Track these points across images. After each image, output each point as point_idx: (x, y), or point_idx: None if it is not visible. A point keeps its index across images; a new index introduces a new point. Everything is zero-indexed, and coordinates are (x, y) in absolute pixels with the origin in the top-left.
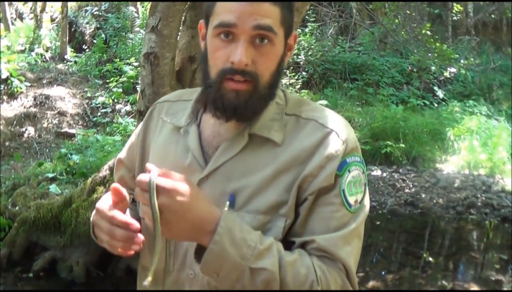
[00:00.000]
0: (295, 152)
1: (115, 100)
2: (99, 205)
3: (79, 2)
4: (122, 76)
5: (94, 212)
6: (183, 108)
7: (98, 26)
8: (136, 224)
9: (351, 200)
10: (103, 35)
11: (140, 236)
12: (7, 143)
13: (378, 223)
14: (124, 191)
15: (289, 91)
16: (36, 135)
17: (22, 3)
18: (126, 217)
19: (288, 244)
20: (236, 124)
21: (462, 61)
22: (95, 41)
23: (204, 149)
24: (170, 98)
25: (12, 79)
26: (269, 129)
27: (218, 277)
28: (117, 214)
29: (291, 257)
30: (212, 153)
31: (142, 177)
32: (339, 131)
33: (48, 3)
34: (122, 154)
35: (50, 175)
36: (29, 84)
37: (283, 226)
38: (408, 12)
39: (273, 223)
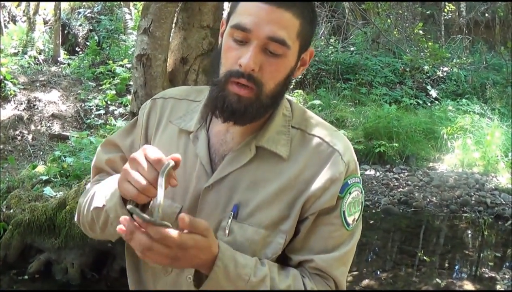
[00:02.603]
0: (300, 169)
1: (109, 102)
2: (133, 155)
3: (72, 4)
4: (115, 78)
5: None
6: (191, 111)
7: (91, 28)
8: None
9: (350, 219)
10: (96, 37)
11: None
12: (1, 147)
13: (371, 222)
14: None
15: (288, 97)
16: (30, 138)
17: (15, 5)
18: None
19: (285, 258)
20: (242, 133)
21: (454, 60)
22: (88, 43)
23: (211, 156)
24: (175, 95)
25: (6, 82)
26: (276, 144)
27: None
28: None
29: (284, 284)
30: (218, 161)
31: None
32: (342, 153)
33: (41, 6)
34: (117, 137)
35: (44, 178)
36: (22, 87)
37: (283, 242)
38: (400, 12)
39: (273, 238)
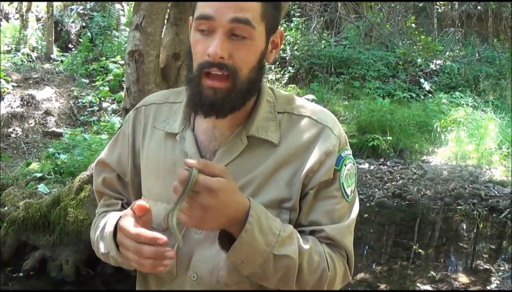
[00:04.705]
0: (292, 147)
1: (102, 99)
2: (122, 223)
3: (64, 1)
4: (108, 74)
5: (118, 231)
6: (173, 113)
7: (84, 25)
8: (163, 237)
9: (348, 191)
10: (89, 34)
11: (170, 251)
12: None
13: (366, 215)
14: (147, 204)
15: (275, 87)
16: (24, 135)
17: (7, 3)
18: (152, 232)
19: None
20: (229, 126)
21: (447, 53)
22: (81, 40)
23: (201, 153)
24: (155, 100)
25: None
26: (266, 131)
27: (242, 263)
28: (142, 231)
29: (307, 244)
30: (210, 157)
31: (184, 173)
32: (332, 127)
33: (33, 3)
34: (106, 156)
35: (38, 175)
36: (15, 84)
37: (288, 218)
38: (392, 5)
39: (278, 215)
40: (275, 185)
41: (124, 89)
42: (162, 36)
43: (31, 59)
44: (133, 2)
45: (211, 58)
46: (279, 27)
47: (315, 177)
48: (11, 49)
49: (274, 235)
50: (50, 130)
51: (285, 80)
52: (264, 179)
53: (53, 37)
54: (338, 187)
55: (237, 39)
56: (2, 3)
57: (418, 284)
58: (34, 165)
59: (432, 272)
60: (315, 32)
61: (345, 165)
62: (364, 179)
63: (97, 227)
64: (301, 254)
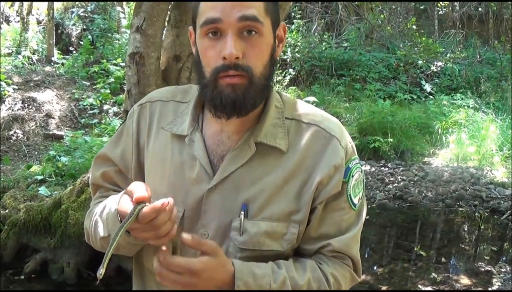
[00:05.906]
0: (301, 158)
1: (103, 101)
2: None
3: (65, 4)
4: (109, 77)
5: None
6: (181, 114)
7: (85, 27)
8: (163, 201)
9: (356, 200)
10: (89, 37)
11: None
12: None
13: (367, 217)
14: (146, 194)
15: (277, 90)
16: (25, 138)
17: (8, 6)
18: (150, 206)
19: (302, 249)
20: (237, 130)
21: (448, 54)
22: (81, 42)
23: (209, 157)
24: (161, 97)
25: (0, 82)
26: (274, 137)
27: None
28: (144, 211)
29: (303, 278)
30: (217, 162)
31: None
32: (340, 138)
33: (34, 6)
34: (108, 150)
35: (39, 177)
36: (16, 87)
37: (297, 232)
38: (393, 7)
39: (287, 229)
40: (284, 197)
41: (125, 92)
42: (162, 38)
43: (32, 62)
44: (134, 4)
45: (227, 61)
46: (280, 20)
47: (324, 191)
48: (12, 52)
49: (264, 290)
50: (51, 133)
51: (286, 82)
52: (274, 191)
53: (54, 40)
54: (346, 199)
55: (248, 37)
56: (3, 5)
57: (419, 286)
58: (35, 168)
59: (433, 274)
60: (316, 34)
61: (353, 176)
62: (365, 181)
63: (94, 214)
64: (298, 291)
